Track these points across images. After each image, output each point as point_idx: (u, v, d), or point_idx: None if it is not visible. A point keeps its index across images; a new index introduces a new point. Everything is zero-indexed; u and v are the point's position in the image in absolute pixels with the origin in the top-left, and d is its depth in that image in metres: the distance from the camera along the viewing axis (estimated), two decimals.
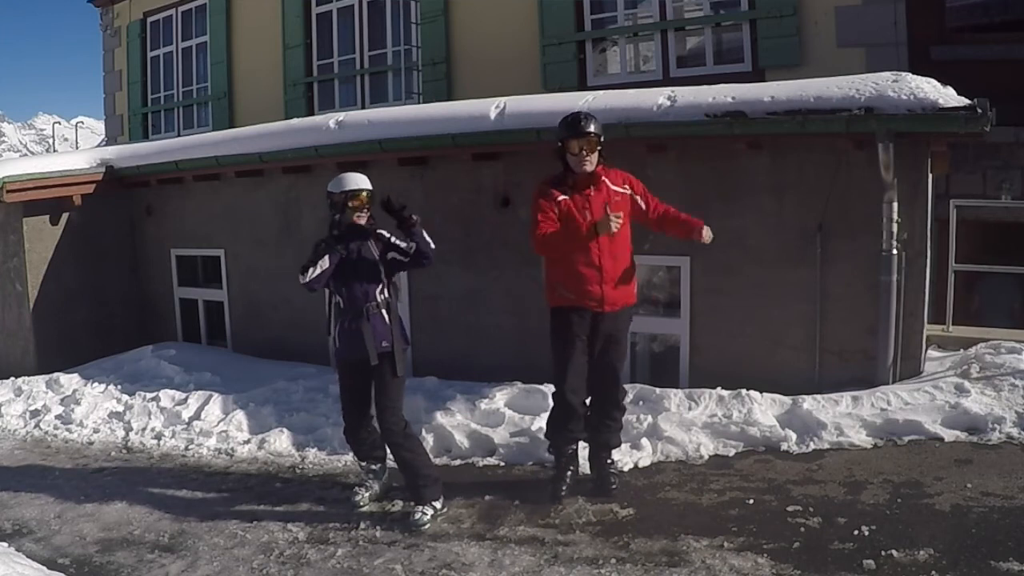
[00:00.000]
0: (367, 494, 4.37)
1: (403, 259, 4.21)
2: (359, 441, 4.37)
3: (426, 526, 3.99)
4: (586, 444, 4.30)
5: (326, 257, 4.10)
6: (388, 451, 4.28)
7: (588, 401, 4.19)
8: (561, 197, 4.00)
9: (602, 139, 4.02)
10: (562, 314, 4.07)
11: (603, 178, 4.07)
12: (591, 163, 4.00)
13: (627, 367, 5.68)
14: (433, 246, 4.18)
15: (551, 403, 4.25)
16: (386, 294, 4.21)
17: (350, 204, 4.15)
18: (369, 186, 4.21)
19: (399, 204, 4.13)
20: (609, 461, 4.28)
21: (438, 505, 4.11)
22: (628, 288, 4.13)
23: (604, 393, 4.16)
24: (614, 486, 4.16)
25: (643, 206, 4.15)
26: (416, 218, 4.15)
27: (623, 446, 4.55)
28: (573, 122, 3.99)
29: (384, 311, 4.18)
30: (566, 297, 4.04)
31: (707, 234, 4.02)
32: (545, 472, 4.46)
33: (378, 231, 4.24)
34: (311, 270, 4.10)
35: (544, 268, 4.23)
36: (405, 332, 4.37)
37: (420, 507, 4.06)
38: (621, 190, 4.11)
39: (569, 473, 4.23)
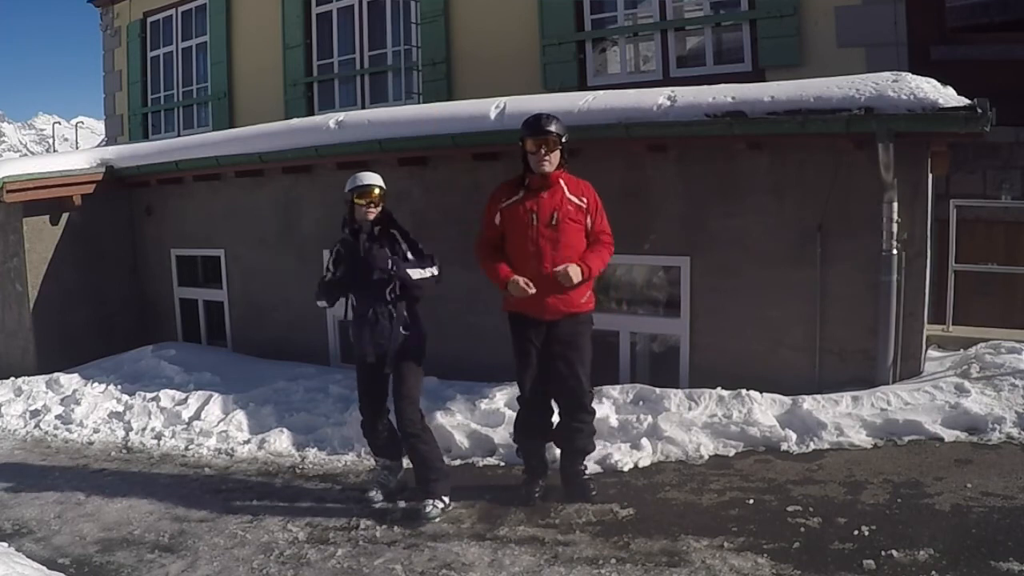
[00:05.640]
0: (382, 492, 4.39)
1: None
2: (375, 435, 4.38)
3: (436, 519, 4.03)
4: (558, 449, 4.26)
5: (327, 296, 4.31)
6: (403, 448, 4.34)
7: (556, 407, 4.15)
8: (509, 201, 3.99)
9: (564, 140, 3.96)
10: (513, 320, 4.06)
11: (560, 182, 3.98)
12: (550, 164, 3.93)
13: (627, 366, 5.72)
14: (426, 276, 4.21)
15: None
16: (397, 293, 4.20)
17: (357, 201, 4.22)
18: (380, 183, 4.28)
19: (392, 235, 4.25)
20: (582, 467, 4.20)
21: (447, 500, 4.14)
22: (574, 298, 3.97)
23: (567, 398, 4.07)
24: (594, 492, 4.10)
25: (588, 225, 4.02)
26: (402, 248, 4.23)
27: (623, 446, 4.56)
28: (533, 122, 3.95)
29: (392, 309, 4.19)
30: (514, 303, 3.99)
31: (569, 271, 3.82)
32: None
33: (392, 231, 4.26)
34: (321, 301, 4.34)
35: None
36: (420, 327, 4.32)
37: (430, 500, 4.10)
38: (577, 202, 3.99)
39: (539, 475, 4.22)
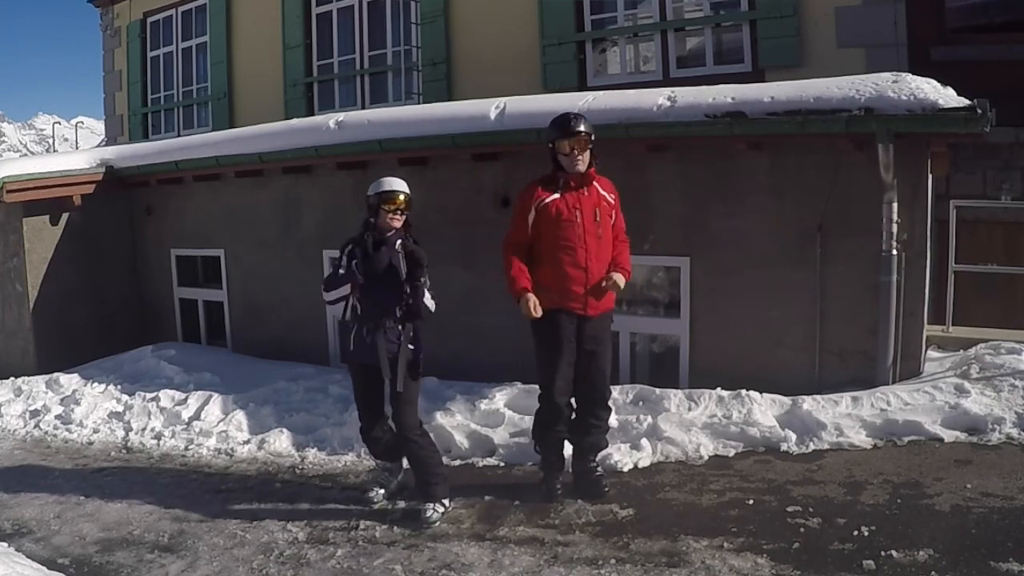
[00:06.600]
0: (382, 492, 4.39)
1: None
2: (373, 440, 4.37)
3: (436, 523, 4.02)
4: (571, 446, 4.27)
5: (347, 287, 4.13)
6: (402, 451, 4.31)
7: (573, 403, 4.17)
8: (549, 198, 3.99)
9: (593, 138, 4.02)
10: (547, 316, 4.03)
11: (595, 181, 4.07)
12: (583, 162, 4.00)
13: (627, 367, 5.72)
14: (433, 308, 4.16)
15: (537, 404, 4.23)
16: (405, 309, 4.17)
17: (384, 207, 4.13)
18: (406, 190, 4.20)
19: (418, 262, 4.07)
20: (594, 464, 4.23)
21: (447, 503, 4.14)
22: (611, 294, 4.12)
23: (592, 394, 4.13)
24: (607, 489, 4.14)
25: (612, 219, 4.14)
26: (423, 281, 4.10)
27: (623, 446, 4.56)
28: (563, 122, 4.00)
29: (400, 326, 4.15)
30: (550, 299, 4.00)
31: (618, 280, 4.01)
32: None
33: (411, 249, 4.16)
34: (332, 293, 4.16)
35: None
36: (420, 340, 4.27)
37: (431, 504, 4.09)
38: (609, 198, 4.11)
39: (558, 470, 4.24)
